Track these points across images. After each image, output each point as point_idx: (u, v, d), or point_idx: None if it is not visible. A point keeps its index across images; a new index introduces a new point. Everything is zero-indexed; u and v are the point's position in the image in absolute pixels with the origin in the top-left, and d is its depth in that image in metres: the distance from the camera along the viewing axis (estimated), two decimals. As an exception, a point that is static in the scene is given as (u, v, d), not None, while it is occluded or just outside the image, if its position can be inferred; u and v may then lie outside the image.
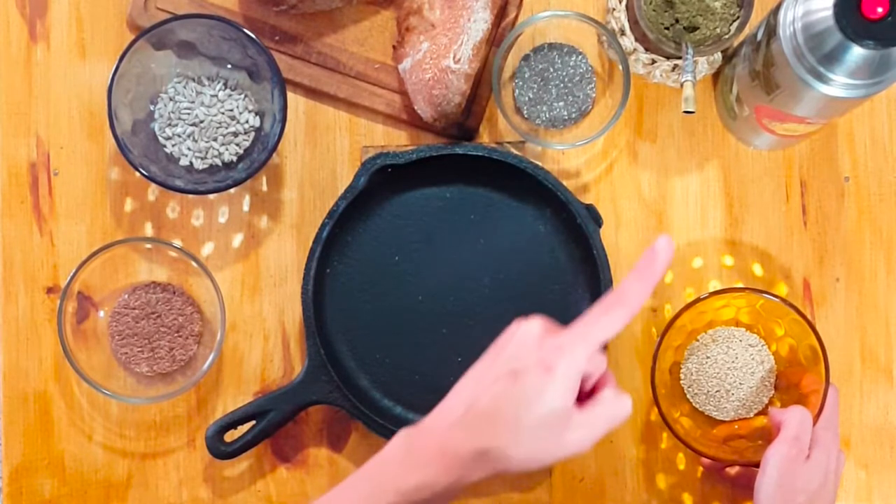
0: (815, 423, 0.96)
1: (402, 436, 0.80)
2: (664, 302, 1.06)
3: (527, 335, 0.78)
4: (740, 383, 1.03)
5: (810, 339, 0.98)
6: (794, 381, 1.02)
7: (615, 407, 0.77)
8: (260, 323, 1.06)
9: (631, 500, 1.06)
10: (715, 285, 1.06)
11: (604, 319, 0.77)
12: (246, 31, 0.99)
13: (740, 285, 1.06)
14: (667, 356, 1.03)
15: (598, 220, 1.02)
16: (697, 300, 0.99)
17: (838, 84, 0.86)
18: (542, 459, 0.76)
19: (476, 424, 0.76)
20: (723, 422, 1.04)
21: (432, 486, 0.76)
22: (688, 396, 1.04)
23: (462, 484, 0.76)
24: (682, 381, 1.04)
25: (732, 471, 1.03)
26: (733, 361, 1.03)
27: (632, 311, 0.77)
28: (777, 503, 0.90)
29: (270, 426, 1.01)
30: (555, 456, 0.76)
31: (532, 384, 0.75)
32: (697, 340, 1.04)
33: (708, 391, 1.03)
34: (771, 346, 1.04)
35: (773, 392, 1.04)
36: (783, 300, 0.99)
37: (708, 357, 1.03)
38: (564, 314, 1.03)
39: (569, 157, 1.07)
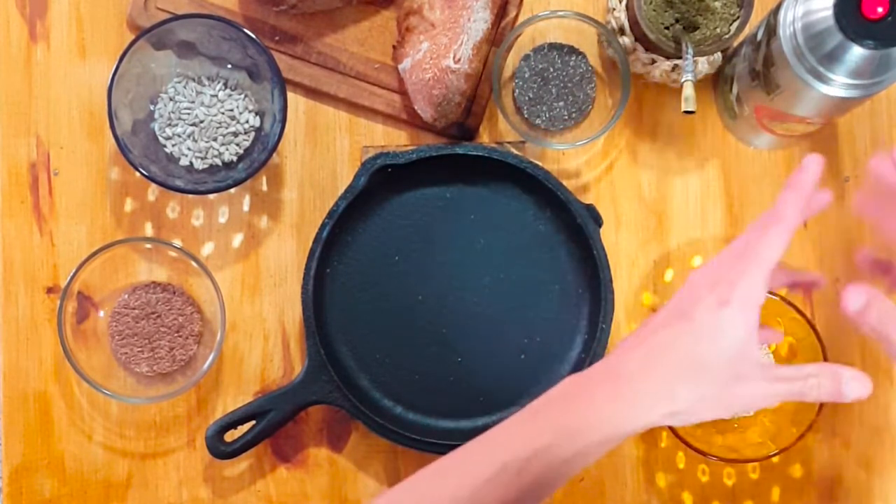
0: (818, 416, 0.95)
1: (572, 383, 0.77)
2: (665, 300, 1.06)
3: (696, 277, 0.75)
4: None
5: (810, 339, 0.98)
6: None
7: (823, 381, 0.74)
8: (260, 323, 1.06)
9: (631, 500, 1.06)
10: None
11: (765, 239, 0.74)
12: (246, 31, 0.99)
13: None
14: None
15: (598, 220, 1.02)
16: None
17: (838, 84, 0.86)
18: (717, 407, 0.73)
19: (650, 368, 0.73)
20: (722, 420, 1.04)
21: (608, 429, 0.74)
22: None
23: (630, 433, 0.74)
24: None
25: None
26: None
27: (789, 226, 0.74)
28: None
29: (270, 426, 1.01)
30: (729, 407, 0.73)
31: (707, 320, 0.72)
32: None
33: None
34: (770, 345, 1.04)
35: None
36: (783, 299, 0.99)
37: None
38: (564, 314, 1.04)
39: (569, 156, 1.07)
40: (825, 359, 0.97)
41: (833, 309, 1.07)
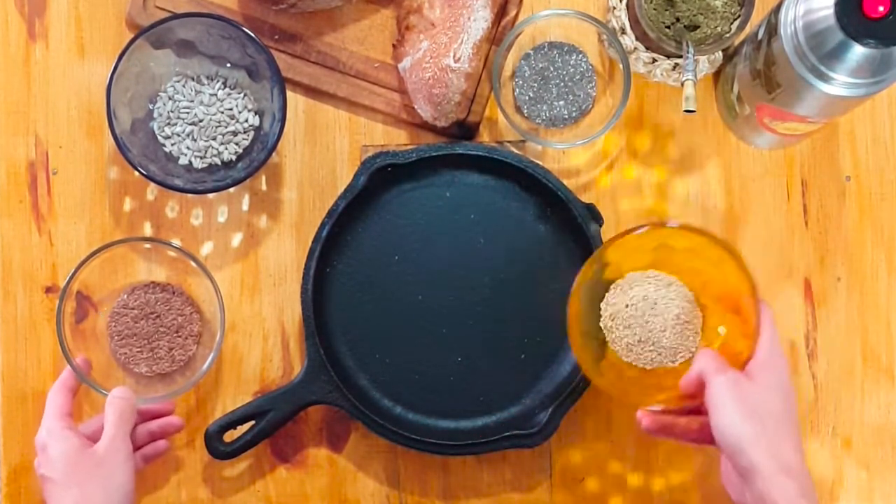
0: (755, 344, 0.90)
1: None
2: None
3: None
4: (661, 330, 0.96)
5: (731, 263, 0.92)
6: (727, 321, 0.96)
7: None
8: (259, 323, 1.06)
9: (631, 501, 1.06)
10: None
11: None
12: (245, 29, 0.99)
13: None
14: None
15: (598, 220, 1.02)
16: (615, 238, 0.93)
17: (839, 83, 0.86)
18: None
19: None
20: (650, 370, 0.97)
21: None
22: (612, 348, 0.97)
23: None
24: (603, 330, 0.98)
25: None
26: (652, 308, 0.96)
27: None
28: (748, 433, 0.85)
29: (270, 426, 1.01)
30: None
31: None
32: (612, 290, 0.97)
33: (629, 342, 0.97)
34: (693, 285, 0.97)
35: (699, 336, 0.97)
36: (692, 228, 0.92)
37: (627, 305, 0.97)
38: (564, 314, 1.04)
39: (569, 156, 1.07)
40: (750, 280, 0.91)
41: (835, 309, 1.07)
